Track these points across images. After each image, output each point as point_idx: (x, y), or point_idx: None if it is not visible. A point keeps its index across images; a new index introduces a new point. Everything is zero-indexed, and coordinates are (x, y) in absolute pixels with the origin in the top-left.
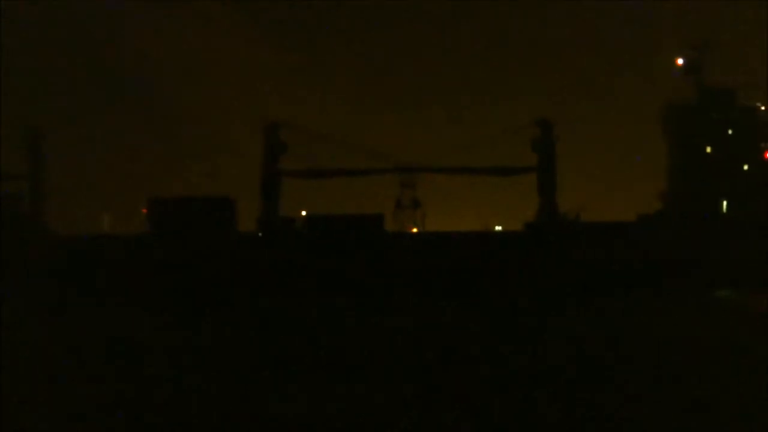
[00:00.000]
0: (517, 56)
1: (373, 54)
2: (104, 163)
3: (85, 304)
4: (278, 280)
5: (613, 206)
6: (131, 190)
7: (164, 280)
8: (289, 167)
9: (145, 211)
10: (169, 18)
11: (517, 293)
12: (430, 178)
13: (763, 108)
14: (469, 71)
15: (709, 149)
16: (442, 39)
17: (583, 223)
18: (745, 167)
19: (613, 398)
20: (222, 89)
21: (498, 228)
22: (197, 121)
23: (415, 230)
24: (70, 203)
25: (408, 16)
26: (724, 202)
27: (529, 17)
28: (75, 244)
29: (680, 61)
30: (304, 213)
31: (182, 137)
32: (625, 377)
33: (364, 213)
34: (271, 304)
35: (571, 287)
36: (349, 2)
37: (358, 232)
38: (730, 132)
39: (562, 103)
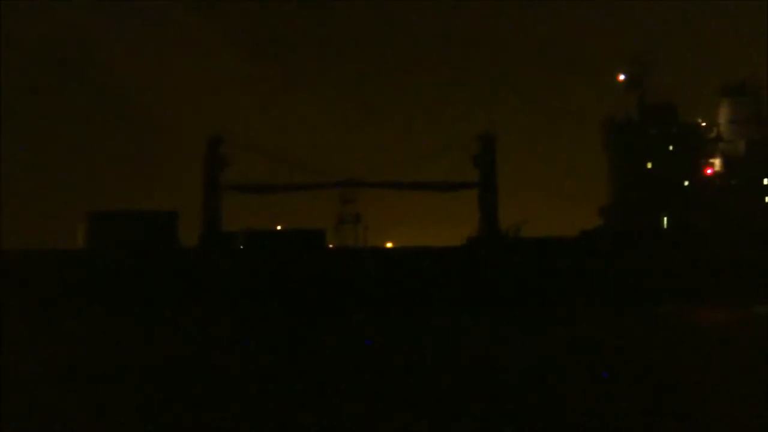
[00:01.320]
0: (460, 71)
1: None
2: (45, 174)
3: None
4: (216, 295)
5: (556, 222)
6: (70, 203)
7: (101, 294)
8: (231, 181)
9: (83, 225)
10: (141, 31)
11: (458, 308)
12: (371, 193)
13: (704, 124)
14: (411, 86)
15: (649, 165)
16: (383, 53)
17: (524, 238)
18: (686, 183)
19: (550, 411)
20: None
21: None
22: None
23: (356, 245)
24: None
25: (352, 31)
26: (665, 218)
27: (472, 32)
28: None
29: (622, 77)
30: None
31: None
32: (562, 389)
33: (305, 228)
34: (208, 320)
35: (512, 301)
36: (296, 20)
37: (299, 248)
38: (670, 148)
39: (505, 118)
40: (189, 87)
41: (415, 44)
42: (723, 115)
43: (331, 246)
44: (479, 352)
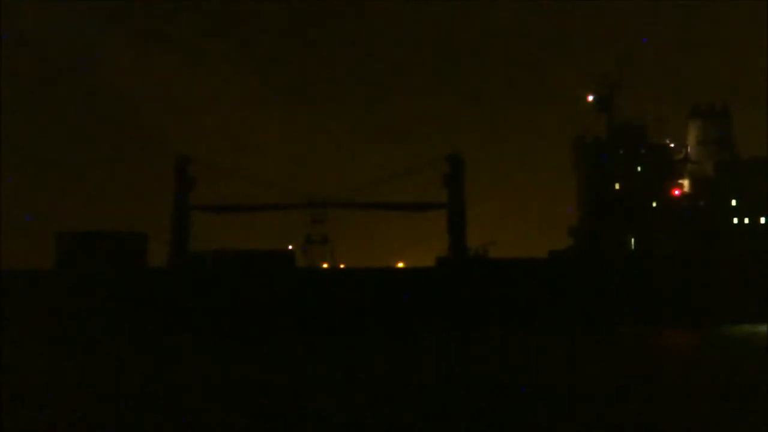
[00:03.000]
0: (430, 92)
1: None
2: (15, 194)
3: None
4: (185, 315)
5: (526, 242)
6: (40, 223)
7: (70, 313)
8: (200, 202)
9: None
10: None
11: (428, 327)
12: (340, 213)
13: (672, 145)
14: (381, 107)
15: (617, 185)
16: (355, 75)
17: (493, 259)
18: (654, 204)
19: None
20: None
21: (400, 264)
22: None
23: (325, 265)
24: None
25: (325, 53)
26: (632, 239)
27: (442, 54)
28: None
29: (591, 98)
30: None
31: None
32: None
33: (274, 249)
34: (178, 339)
35: (481, 321)
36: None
37: (268, 268)
38: (639, 168)
39: (474, 138)
40: (157, 108)
41: (386, 66)
42: (691, 137)
43: (300, 266)
44: (448, 370)
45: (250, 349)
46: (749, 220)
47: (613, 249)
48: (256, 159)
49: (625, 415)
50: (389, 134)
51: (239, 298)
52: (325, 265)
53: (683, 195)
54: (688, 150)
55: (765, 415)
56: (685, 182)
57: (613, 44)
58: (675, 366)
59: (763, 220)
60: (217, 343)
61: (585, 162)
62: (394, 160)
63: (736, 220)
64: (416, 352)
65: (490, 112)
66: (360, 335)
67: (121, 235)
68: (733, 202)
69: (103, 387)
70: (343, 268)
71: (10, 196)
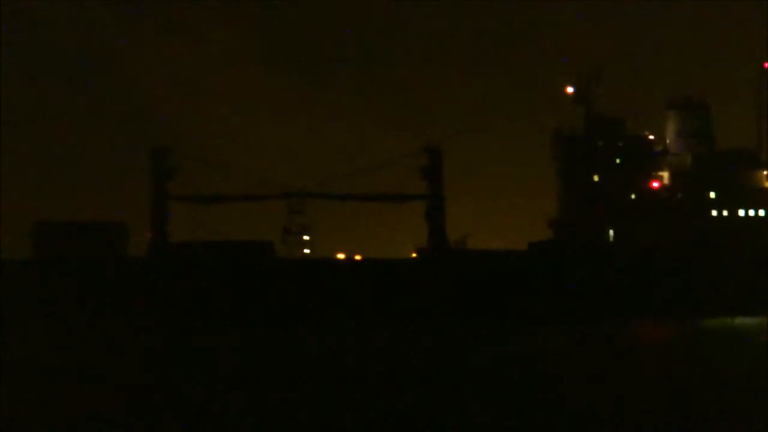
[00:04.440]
0: (409, 83)
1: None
2: None
3: None
4: (164, 306)
5: (506, 233)
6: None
7: (48, 305)
8: (179, 192)
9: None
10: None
11: (410, 319)
12: (319, 204)
13: (651, 137)
14: (360, 97)
15: (596, 177)
16: (335, 65)
17: (471, 251)
18: (633, 196)
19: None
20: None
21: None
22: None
23: (307, 251)
24: None
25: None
26: (611, 231)
27: (421, 44)
28: None
29: (570, 90)
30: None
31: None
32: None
33: (253, 239)
34: (156, 330)
35: (461, 313)
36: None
37: (248, 259)
38: (617, 161)
39: (453, 129)
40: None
41: (366, 56)
42: (670, 129)
43: (280, 257)
44: (427, 364)
45: (230, 341)
46: (728, 212)
47: (592, 241)
48: (250, 152)
49: (613, 409)
50: (368, 125)
51: (218, 290)
52: (307, 251)
53: (662, 187)
54: (667, 142)
55: (749, 408)
56: (665, 174)
57: (591, 37)
58: (654, 358)
59: (741, 213)
60: (197, 334)
61: (563, 154)
62: (374, 151)
63: (714, 213)
64: (401, 344)
65: (469, 104)
66: (341, 326)
67: (99, 225)
68: (712, 195)
69: (81, 378)
70: (323, 259)
71: None
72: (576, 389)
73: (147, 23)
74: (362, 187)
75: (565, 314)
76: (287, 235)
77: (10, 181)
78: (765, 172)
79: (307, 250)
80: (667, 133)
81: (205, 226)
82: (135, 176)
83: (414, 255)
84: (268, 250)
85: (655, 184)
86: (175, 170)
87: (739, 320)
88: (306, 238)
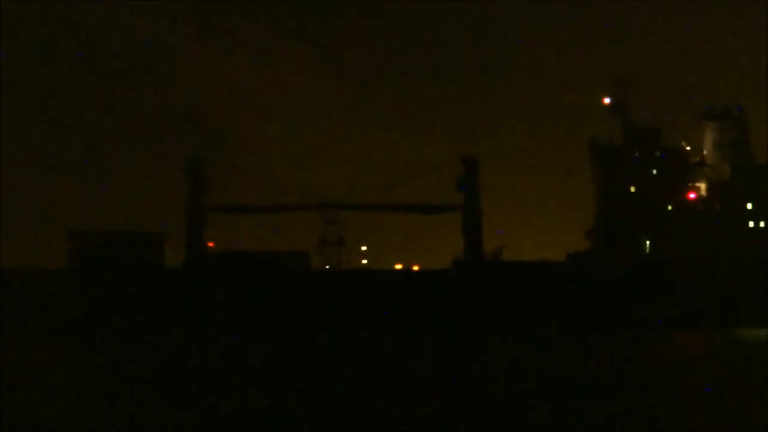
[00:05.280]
0: (445, 93)
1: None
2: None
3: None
4: (201, 315)
5: (542, 244)
6: (51, 221)
7: (84, 314)
8: (214, 203)
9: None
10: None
11: (448, 329)
12: (355, 215)
13: (688, 148)
14: (397, 108)
15: (633, 188)
16: (370, 75)
17: (509, 261)
18: (669, 207)
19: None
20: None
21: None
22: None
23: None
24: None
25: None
26: (647, 242)
27: (459, 56)
28: None
29: (607, 100)
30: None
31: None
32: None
33: (289, 250)
34: (193, 339)
35: (501, 322)
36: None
37: (284, 269)
38: (654, 171)
39: (490, 141)
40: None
41: (403, 67)
42: (707, 140)
43: (316, 267)
44: (466, 373)
45: (265, 350)
46: (765, 223)
47: (628, 252)
48: (288, 161)
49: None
50: (405, 135)
51: (255, 300)
52: (339, 266)
53: (699, 198)
54: (704, 153)
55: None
56: (701, 185)
57: (628, 46)
58: (691, 369)
59: None
60: (232, 344)
61: (600, 165)
62: (411, 162)
63: (751, 224)
64: (435, 354)
65: (506, 115)
66: (377, 336)
67: (136, 234)
68: (749, 206)
69: (115, 386)
70: (357, 270)
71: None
72: (619, 400)
73: (190, 29)
74: (399, 197)
75: (601, 324)
76: (323, 245)
77: (48, 190)
78: None
79: (342, 261)
80: (705, 144)
81: (241, 236)
82: (173, 186)
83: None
84: (304, 260)
85: (692, 195)
86: (210, 180)
87: None
88: (342, 248)
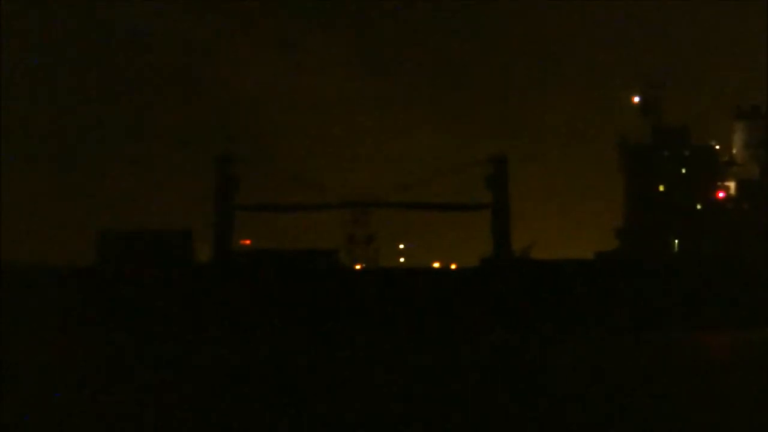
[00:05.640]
0: (473, 91)
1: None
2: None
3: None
4: (229, 314)
5: (570, 243)
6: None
7: (112, 312)
8: (241, 201)
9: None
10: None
11: (476, 329)
12: (383, 213)
13: (717, 147)
14: (425, 105)
15: (662, 187)
16: (398, 72)
17: (538, 260)
18: (698, 206)
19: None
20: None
21: (453, 266)
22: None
23: (358, 267)
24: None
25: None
26: (676, 241)
27: (485, 53)
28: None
29: (636, 99)
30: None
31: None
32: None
33: (318, 248)
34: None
35: (530, 322)
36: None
37: (313, 268)
38: (683, 170)
39: (519, 140)
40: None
41: (431, 63)
42: (737, 139)
43: (346, 266)
44: (494, 373)
45: (295, 348)
46: None
47: (657, 251)
48: (318, 160)
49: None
50: (433, 133)
51: (283, 298)
52: (368, 265)
53: (728, 198)
54: (733, 152)
55: None
56: (731, 185)
57: (655, 45)
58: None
59: None
60: (262, 342)
61: (629, 164)
62: (441, 160)
63: None
64: (466, 354)
65: (535, 111)
66: (407, 335)
67: (164, 233)
68: None
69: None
70: (386, 268)
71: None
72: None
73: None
74: (428, 196)
75: (629, 323)
76: (351, 243)
77: (77, 189)
78: None
79: (371, 260)
80: (734, 143)
81: (269, 234)
82: (202, 184)
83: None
84: (333, 258)
85: (721, 195)
86: (239, 178)
87: None
88: (370, 247)
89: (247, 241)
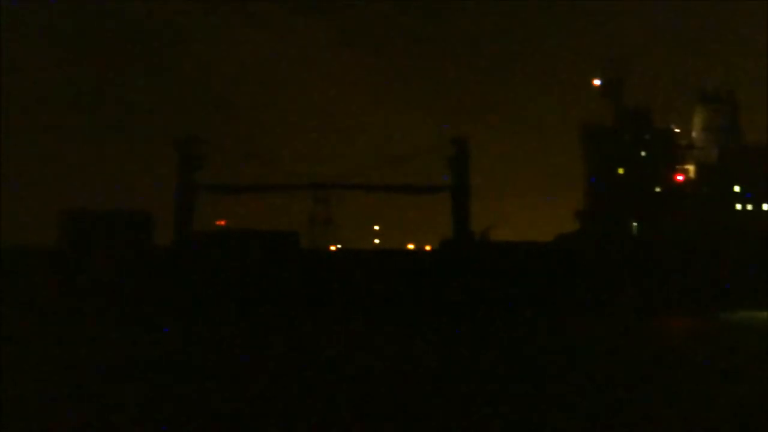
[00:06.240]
0: (434, 74)
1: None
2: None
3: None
4: (190, 295)
5: (533, 224)
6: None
7: (72, 292)
8: (204, 181)
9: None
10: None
11: (436, 309)
12: (344, 195)
13: (678, 130)
14: (387, 89)
15: (621, 170)
16: (361, 58)
17: (498, 242)
18: (658, 189)
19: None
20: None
21: (410, 246)
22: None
23: (333, 248)
24: None
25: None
26: (635, 224)
27: (449, 37)
28: None
29: (597, 82)
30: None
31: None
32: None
33: (278, 230)
34: (182, 319)
35: (487, 303)
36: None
37: (273, 249)
38: (643, 153)
39: (481, 122)
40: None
41: (393, 49)
42: (697, 123)
43: (304, 247)
44: (446, 355)
45: (253, 330)
46: (752, 206)
47: (616, 234)
48: (282, 142)
49: (625, 403)
50: (395, 117)
51: (243, 278)
52: (333, 248)
53: (687, 181)
54: (693, 136)
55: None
56: (690, 168)
57: (619, 29)
58: (680, 353)
59: (766, 207)
60: (221, 323)
61: (590, 147)
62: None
63: (739, 207)
64: (420, 337)
65: (497, 96)
66: (363, 318)
67: (124, 213)
68: (737, 189)
69: (105, 367)
70: (346, 249)
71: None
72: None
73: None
74: (390, 178)
75: (587, 306)
76: (312, 225)
77: (38, 169)
78: None
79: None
80: (694, 127)
81: (230, 215)
82: (164, 166)
83: (428, 247)
84: (293, 240)
85: (680, 178)
86: (201, 159)
87: (762, 314)
88: (330, 228)
89: (222, 222)
